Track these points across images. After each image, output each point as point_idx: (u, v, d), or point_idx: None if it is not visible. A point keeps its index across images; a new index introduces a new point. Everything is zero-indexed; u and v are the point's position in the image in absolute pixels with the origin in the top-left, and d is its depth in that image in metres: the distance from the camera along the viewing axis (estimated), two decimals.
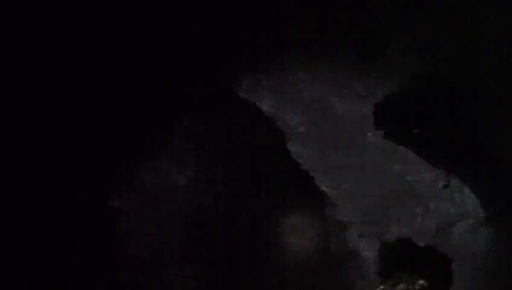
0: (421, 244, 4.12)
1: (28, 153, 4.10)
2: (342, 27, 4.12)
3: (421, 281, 4.00)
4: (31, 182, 4.13)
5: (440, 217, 4.10)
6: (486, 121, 3.86)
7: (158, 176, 4.51)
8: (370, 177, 4.31)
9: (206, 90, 4.51)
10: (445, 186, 4.03)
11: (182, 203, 4.56)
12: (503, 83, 3.54)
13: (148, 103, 4.43)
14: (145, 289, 4.43)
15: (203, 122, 4.64)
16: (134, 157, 4.44)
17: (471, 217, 4.02)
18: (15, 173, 4.06)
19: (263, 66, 4.31)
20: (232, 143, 4.86)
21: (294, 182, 4.73)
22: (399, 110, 4.11)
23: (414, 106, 4.07)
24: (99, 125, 4.35)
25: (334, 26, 4.13)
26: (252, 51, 4.29)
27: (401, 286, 3.99)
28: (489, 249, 3.97)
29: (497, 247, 3.98)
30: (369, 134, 4.13)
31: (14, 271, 3.94)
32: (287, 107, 4.33)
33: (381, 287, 4.04)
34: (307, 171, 4.44)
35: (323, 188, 4.43)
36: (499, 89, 3.80)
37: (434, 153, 4.00)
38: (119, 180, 4.39)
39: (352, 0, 4.06)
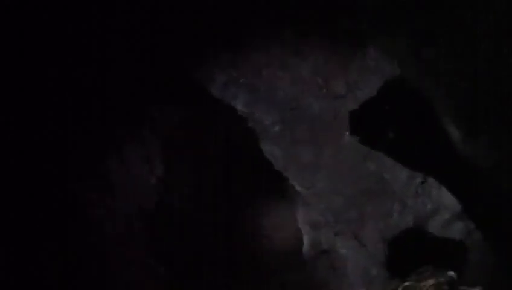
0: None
1: None
2: (322, 26, 4.13)
3: (451, 273, 3.85)
4: None
5: (417, 212, 4.15)
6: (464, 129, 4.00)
7: (124, 167, 4.42)
8: (345, 176, 4.27)
9: (179, 84, 4.45)
10: (422, 183, 4.09)
11: (144, 197, 4.50)
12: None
13: (119, 92, 4.35)
14: (105, 280, 4.34)
15: (174, 116, 4.59)
16: (101, 146, 4.35)
17: (448, 211, 4.10)
18: None
19: (240, 64, 4.25)
20: (203, 140, 4.81)
21: (266, 181, 4.72)
22: (376, 112, 4.18)
23: (390, 109, 4.17)
24: (65, 110, 4.26)
25: (314, 25, 4.14)
26: (229, 47, 4.22)
27: (430, 280, 3.84)
28: (464, 242, 4.08)
29: (472, 241, 4.09)
30: (346, 133, 4.16)
31: None
32: (262, 105, 4.27)
33: (406, 283, 3.92)
34: (279, 171, 4.46)
35: (297, 187, 4.37)
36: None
37: (411, 157, 4.08)
38: (85, 168, 4.29)
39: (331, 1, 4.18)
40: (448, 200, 4.03)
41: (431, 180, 4.09)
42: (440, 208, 4.09)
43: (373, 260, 4.23)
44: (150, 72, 4.31)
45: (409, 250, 4.22)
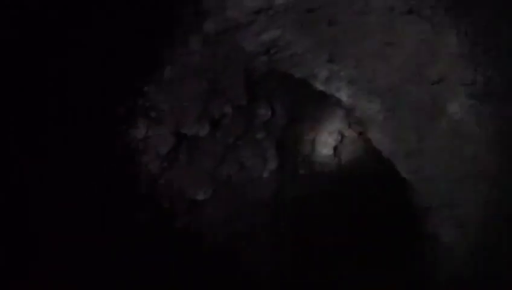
0: None
1: None
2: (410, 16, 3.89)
3: None
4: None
5: None
6: None
7: (242, 168, 4.74)
8: (447, 161, 4.18)
9: (284, 85, 4.67)
10: None
11: (265, 193, 4.79)
12: None
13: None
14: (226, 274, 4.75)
15: (283, 116, 4.84)
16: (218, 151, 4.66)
17: None
18: None
19: (339, 58, 4.31)
20: (313, 136, 5.04)
21: (373, 170, 4.85)
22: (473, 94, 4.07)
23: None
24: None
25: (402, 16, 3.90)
26: (328, 42, 4.27)
27: None
28: None
29: None
30: (445, 118, 4.12)
31: None
32: (364, 96, 4.38)
33: None
34: (387, 159, 4.54)
35: (403, 174, 4.45)
36: None
37: None
38: (204, 173, 4.63)
39: None
40: None
41: None
42: None
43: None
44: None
45: None
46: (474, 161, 4.01)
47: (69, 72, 3.73)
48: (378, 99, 4.29)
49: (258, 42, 4.34)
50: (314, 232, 4.88)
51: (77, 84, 3.79)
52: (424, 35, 3.86)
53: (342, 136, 5.07)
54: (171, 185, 4.59)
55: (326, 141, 5.07)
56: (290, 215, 4.94)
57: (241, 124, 4.71)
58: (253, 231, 4.82)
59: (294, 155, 5.00)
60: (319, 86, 4.46)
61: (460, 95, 3.87)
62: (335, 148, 5.11)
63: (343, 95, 4.41)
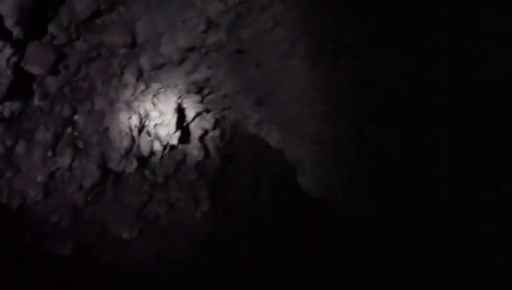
0: None
1: None
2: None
3: None
4: None
5: None
6: None
7: (171, 209, 4.62)
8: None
9: (218, 126, 4.64)
10: None
11: (196, 235, 4.66)
12: None
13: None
14: None
15: (216, 158, 4.77)
16: (145, 189, 4.56)
17: None
18: None
19: (267, 101, 4.29)
20: (245, 178, 4.95)
21: (308, 215, 4.75)
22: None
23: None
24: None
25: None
26: (256, 84, 4.26)
27: None
28: None
29: None
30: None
31: None
32: (292, 142, 4.32)
33: None
34: (319, 204, 4.44)
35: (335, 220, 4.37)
36: None
37: None
38: (131, 211, 4.52)
39: None
40: None
41: None
42: None
43: None
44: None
45: None
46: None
47: None
48: (304, 145, 4.24)
49: (190, 81, 4.32)
50: (251, 276, 4.73)
51: None
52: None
53: (278, 180, 4.95)
54: (96, 220, 4.47)
55: (262, 185, 4.97)
56: (224, 259, 4.79)
57: (171, 163, 4.64)
58: (182, 272, 4.66)
59: (228, 198, 4.87)
60: (251, 129, 4.42)
61: None
62: (271, 192, 4.99)
63: (273, 140, 4.37)
